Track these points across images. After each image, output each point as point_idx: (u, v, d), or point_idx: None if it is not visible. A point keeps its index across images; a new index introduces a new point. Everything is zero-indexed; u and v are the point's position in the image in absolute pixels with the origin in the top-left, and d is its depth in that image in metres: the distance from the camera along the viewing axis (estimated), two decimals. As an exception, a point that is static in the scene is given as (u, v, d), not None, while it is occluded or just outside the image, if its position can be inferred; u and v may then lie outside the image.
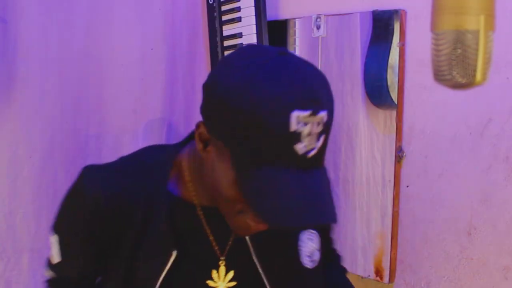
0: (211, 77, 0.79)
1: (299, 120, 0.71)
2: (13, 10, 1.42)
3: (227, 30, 1.87)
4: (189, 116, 1.81)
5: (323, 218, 0.74)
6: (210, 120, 0.78)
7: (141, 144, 1.66)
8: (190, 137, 0.94)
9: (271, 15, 1.79)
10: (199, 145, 0.81)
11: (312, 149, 0.73)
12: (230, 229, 0.86)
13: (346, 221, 1.62)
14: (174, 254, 0.85)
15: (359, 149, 1.60)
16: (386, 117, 1.54)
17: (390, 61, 1.52)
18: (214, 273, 0.88)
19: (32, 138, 1.49)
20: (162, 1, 1.78)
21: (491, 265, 1.38)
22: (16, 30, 1.43)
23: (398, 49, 1.50)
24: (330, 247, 1.14)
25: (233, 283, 0.89)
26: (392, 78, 1.51)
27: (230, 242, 0.90)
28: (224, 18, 1.87)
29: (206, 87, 0.79)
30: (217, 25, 1.89)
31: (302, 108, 0.71)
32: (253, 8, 1.75)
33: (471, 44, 0.66)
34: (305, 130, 0.72)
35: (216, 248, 0.89)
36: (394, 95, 1.51)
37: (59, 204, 0.92)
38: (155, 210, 0.86)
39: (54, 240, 0.91)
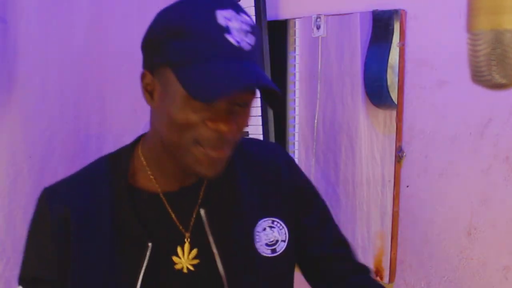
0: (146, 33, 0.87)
1: (224, 16, 0.77)
2: (13, 10, 1.42)
3: (227, 30, 1.86)
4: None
5: (263, 82, 0.79)
6: (150, 59, 0.86)
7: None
8: (139, 137, 0.97)
9: (271, 15, 1.79)
10: (147, 97, 0.86)
11: (245, 42, 0.78)
12: (192, 208, 0.90)
13: (346, 221, 1.62)
14: (150, 246, 0.86)
15: (359, 149, 1.60)
16: (386, 117, 1.54)
17: (390, 61, 1.52)
18: (179, 250, 0.89)
19: (32, 138, 1.49)
20: (163, 0, 1.77)
21: (491, 265, 1.38)
22: (16, 30, 1.43)
23: (398, 49, 1.50)
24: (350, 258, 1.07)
25: (196, 261, 0.90)
26: (392, 78, 1.51)
27: (192, 223, 0.91)
28: (224, 18, 1.87)
29: (142, 41, 0.88)
30: (217, 25, 1.89)
31: (223, 7, 0.78)
32: (253, 8, 1.75)
33: (510, 43, 0.66)
34: (233, 24, 0.78)
35: (181, 227, 0.90)
36: (394, 95, 1.51)
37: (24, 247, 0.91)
38: (122, 208, 0.88)
39: None
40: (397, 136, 1.52)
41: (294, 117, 1.78)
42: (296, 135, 1.78)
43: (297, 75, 1.77)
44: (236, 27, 0.78)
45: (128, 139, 1.65)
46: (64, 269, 0.87)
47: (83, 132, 1.59)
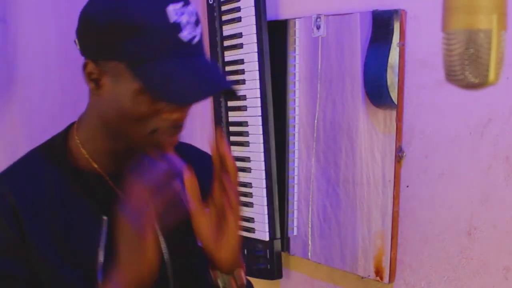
0: (80, 19, 0.86)
1: (176, 11, 0.80)
2: (13, 10, 1.42)
3: (227, 30, 1.87)
4: (190, 114, 1.81)
5: (220, 87, 0.87)
6: (95, 51, 0.84)
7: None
8: (70, 125, 0.98)
9: (271, 15, 1.79)
10: (91, 86, 0.86)
11: (194, 37, 0.83)
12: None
13: (346, 221, 1.62)
14: (106, 219, 0.87)
15: (359, 149, 1.60)
16: (386, 117, 1.54)
17: (390, 61, 1.52)
18: None
19: (32, 138, 1.49)
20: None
21: (491, 265, 1.38)
22: (16, 30, 1.43)
23: (398, 49, 1.50)
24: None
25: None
26: (392, 78, 1.51)
27: None
28: (224, 18, 1.87)
29: (79, 29, 0.86)
30: (217, 25, 1.89)
31: (174, 1, 0.81)
32: (253, 8, 1.75)
33: (483, 43, 0.66)
34: (183, 19, 0.81)
35: None
36: (394, 95, 1.51)
37: None
38: (70, 189, 0.89)
39: None
40: (397, 136, 1.52)
41: (294, 117, 1.78)
42: (296, 135, 1.78)
43: (297, 75, 1.77)
44: (187, 21, 0.82)
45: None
46: (25, 258, 0.86)
47: (83, 132, 1.59)
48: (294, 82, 1.78)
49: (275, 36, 1.77)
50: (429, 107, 1.48)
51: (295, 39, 1.76)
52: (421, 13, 1.48)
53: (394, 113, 1.52)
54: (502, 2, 0.67)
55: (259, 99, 1.78)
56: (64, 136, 0.95)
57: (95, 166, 0.92)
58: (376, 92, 1.56)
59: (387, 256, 1.54)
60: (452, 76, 0.70)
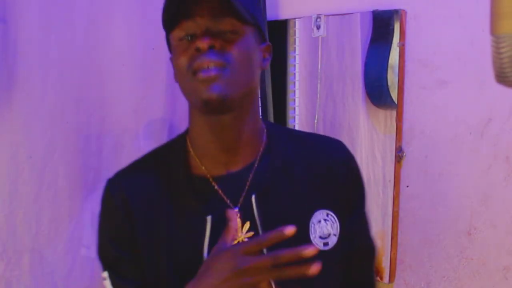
0: None
1: None
2: (13, 10, 1.42)
3: (227, 30, 1.87)
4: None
5: None
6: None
7: (142, 144, 1.66)
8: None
9: (271, 15, 1.79)
10: (174, 75, 0.94)
11: None
12: (241, 191, 0.91)
13: (346, 221, 1.62)
14: (209, 219, 0.90)
15: (359, 149, 1.60)
16: (386, 117, 1.54)
17: (390, 61, 1.52)
18: (231, 227, 0.91)
19: (32, 138, 1.48)
20: (163, 0, 1.77)
21: (491, 265, 1.38)
22: (16, 30, 1.43)
23: (398, 49, 1.50)
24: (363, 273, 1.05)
25: (251, 234, 0.91)
26: (392, 78, 1.52)
27: (241, 198, 0.92)
28: (224, 18, 1.87)
29: None
30: (217, 25, 1.89)
31: None
32: (253, 8, 1.75)
33: None
34: None
35: (231, 205, 0.92)
36: (394, 95, 1.51)
37: (97, 231, 0.98)
38: (179, 191, 0.93)
39: (105, 275, 0.96)
40: (397, 136, 1.52)
41: (294, 117, 1.78)
42: (296, 135, 1.78)
43: (297, 75, 1.77)
44: None
45: (128, 139, 1.66)
46: (135, 248, 0.93)
47: (83, 132, 1.59)
48: (294, 82, 1.78)
49: (275, 36, 1.77)
50: (429, 107, 1.48)
51: (295, 39, 1.76)
52: (421, 13, 1.48)
53: (394, 113, 1.52)
54: None
55: (259, 99, 1.78)
56: (184, 136, 0.99)
57: (202, 168, 0.94)
58: (376, 92, 1.56)
59: (387, 256, 1.54)
60: (502, 78, 0.73)
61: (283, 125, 1.80)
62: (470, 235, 1.41)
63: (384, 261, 1.55)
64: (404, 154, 1.52)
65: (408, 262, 1.53)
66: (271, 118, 1.78)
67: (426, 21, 1.47)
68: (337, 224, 0.96)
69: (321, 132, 1.69)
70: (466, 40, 1.39)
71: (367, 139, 1.58)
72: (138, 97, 1.71)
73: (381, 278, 1.56)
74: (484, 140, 1.38)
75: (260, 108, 1.78)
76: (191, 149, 0.96)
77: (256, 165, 0.94)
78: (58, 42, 1.52)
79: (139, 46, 1.69)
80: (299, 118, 1.77)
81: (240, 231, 0.91)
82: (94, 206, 1.58)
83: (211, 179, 0.94)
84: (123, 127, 1.64)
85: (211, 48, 0.86)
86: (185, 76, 0.88)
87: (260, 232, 0.90)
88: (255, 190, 0.92)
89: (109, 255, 0.96)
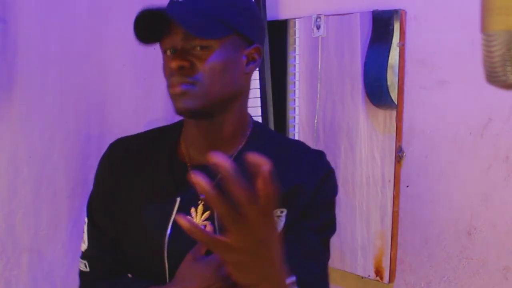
0: None
1: None
2: (13, 10, 1.42)
3: (227, 30, 1.86)
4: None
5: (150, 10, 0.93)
6: None
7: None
8: None
9: (271, 15, 1.79)
10: None
11: None
12: (213, 178, 0.91)
13: (346, 221, 1.62)
14: (178, 200, 0.98)
15: (359, 149, 1.60)
16: (386, 117, 1.54)
17: (390, 61, 1.52)
18: (192, 210, 0.99)
19: (32, 138, 1.48)
20: (162, 0, 1.77)
21: (491, 265, 1.38)
22: (16, 30, 1.43)
23: (398, 49, 1.50)
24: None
25: (207, 222, 0.98)
26: (392, 78, 1.52)
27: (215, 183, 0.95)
28: (224, 18, 1.87)
29: None
30: (217, 25, 1.89)
31: None
32: (253, 8, 1.75)
33: None
34: None
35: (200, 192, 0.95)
36: (394, 95, 1.51)
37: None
38: (161, 170, 1.02)
39: (86, 221, 1.08)
40: (397, 136, 1.52)
41: (294, 117, 1.78)
42: (296, 135, 1.78)
43: (297, 75, 1.77)
44: None
45: (128, 139, 1.65)
46: (113, 209, 1.04)
47: (83, 132, 1.59)
48: (294, 82, 1.78)
49: (275, 36, 1.77)
50: (429, 107, 1.48)
51: (295, 39, 1.76)
52: (421, 13, 1.48)
53: (394, 113, 1.52)
54: None
55: (259, 99, 1.78)
56: (182, 122, 1.08)
57: (186, 156, 1.03)
58: (376, 92, 1.56)
59: (387, 256, 1.54)
60: (493, 77, 0.69)
61: (283, 125, 1.80)
62: (470, 235, 1.41)
63: (384, 261, 1.55)
64: (404, 154, 1.52)
65: (408, 262, 1.53)
66: (271, 118, 1.78)
67: (426, 21, 1.47)
68: (283, 222, 0.98)
69: (321, 132, 1.69)
70: (466, 40, 1.39)
71: (366, 139, 1.58)
72: (138, 97, 1.71)
73: (381, 278, 1.56)
74: (484, 140, 1.38)
75: (260, 108, 1.78)
76: (181, 137, 1.05)
77: (234, 156, 1.00)
78: (58, 42, 1.52)
79: (139, 46, 1.69)
80: (299, 118, 1.77)
81: (200, 217, 0.98)
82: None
83: (189, 167, 1.01)
84: (123, 127, 1.64)
85: (180, 68, 0.93)
86: (167, 85, 0.97)
87: (216, 222, 0.96)
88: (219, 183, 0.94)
89: (92, 205, 1.08)
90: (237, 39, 0.96)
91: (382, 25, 1.53)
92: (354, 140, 1.61)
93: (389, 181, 1.53)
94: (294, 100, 1.78)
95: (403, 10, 1.49)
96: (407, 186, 1.52)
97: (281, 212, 0.97)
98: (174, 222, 0.98)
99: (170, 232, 0.98)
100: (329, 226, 1.04)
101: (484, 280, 1.39)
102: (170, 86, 0.95)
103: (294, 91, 1.78)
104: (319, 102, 1.69)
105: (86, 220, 1.09)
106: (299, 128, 1.77)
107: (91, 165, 1.59)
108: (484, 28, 0.69)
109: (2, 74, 1.41)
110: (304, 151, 1.09)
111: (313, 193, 1.00)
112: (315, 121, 1.70)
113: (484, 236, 1.39)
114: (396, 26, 1.49)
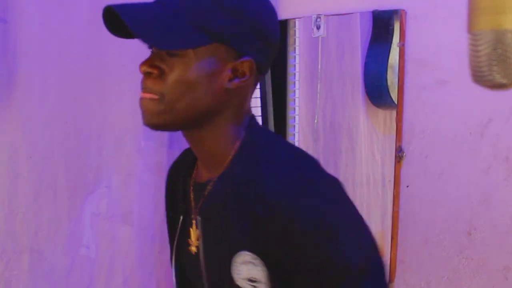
0: None
1: None
2: (13, 10, 1.42)
3: (227, 30, 1.86)
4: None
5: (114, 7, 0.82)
6: None
7: (142, 144, 1.66)
8: None
9: (271, 15, 1.78)
10: None
11: None
12: (203, 198, 0.91)
13: (346, 221, 1.62)
14: (181, 219, 0.96)
15: (359, 149, 1.60)
16: (386, 117, 1.54)
17: (390, 61, 1.52)
18: (191, 231, 0.93)
19: (32, 138, 1.49)
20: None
21: (491, 265, 1.38)
22: (16, 30, 1.43)
23: (398, 49, 1.50)
24: None
25: (198, 242, 0.91)
26: (392, 78, 1.52)
27: (199, 205, 0.92)
28: (224, 18, 1.87)
29: None
30: (217, 25, 1.89)
31: None
32: (253, 8, 1.75)
33: (511, 43, 0.66)
34: None
35: (192, 215, 0.94)
36: (394, 95, 1.51)
37: None
38: (179, 188, 1.00)
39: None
40: (397, 136, 1.52)
41: (294, 117, 1.78)
42: (296, 135, 1.78)
43: (297, 75, 1.77)
44: None
45: (128, 139, 1.66)
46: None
47: (83, 132, 1.59)
48: (294, 82, 1.78)
49: (275, 36, 1.77)
50: (429, 107, 1.48)
51: (295, 39, 1.76)
52: (421, 13, 1.48)
53: (394, 113, 1.52)
54: None
55: (259, 99, 1.78)
56: None
57: (193, 175, 0.97)
58: (376, 92, 1.56)
59: (387, 256, 1.54)
60: (479, 77, 0.69)
61: (283, 125, 1.80)
62: (470, 235, 1.41)
63: (384, 261, 1.55)
64: (404, 154, 1.52)
65: (408, 262, 1.53)
66: (271, 118, 1.78)
67: (426, 21, 1.47)
68: (266, 273, 0.80)
69: (321, 132, 1.69)
70: (466, 40, 1.39)
71: (367, 139, 1.58)
72: (138, 97, 1.71)
73: (381, 278, 1.56)
74: (484, 140, 1.38)
75: (260, 108, 1.78)
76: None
77: (215, 181, 0.87)
78: (58, 42, 1.52)
79: (140, 45, 1.69)
80: (299, 118, 1.77)
81: (195, 237, 0.92)
82: (93, 206, 1.59)
83: (192, 185, 0.94)
84: (123, 127, 1.64)
85: (148, 74, 0.85)
86: None
87: (201, 248, 0.89)
88: (202, 207, 0.91)
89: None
90: (221, 48, 0.80)
91: (382, 25, 1.53)
92: (354, 140, 1.61)
93: (389, 181, 1.53)
94: (294, 100, 1.78)
95: (403, 10, 1.49)
96: (407, 186, 1.52)
97: (255, 259, 0.81)
98: (178, 239, 0.98)
99: (176, 251, 1.00)
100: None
101: (484, 280, 1.39)
102: (142, 90, 0.89)
103: (294, 91, 1.78)
104: (319, 102, 1.69)
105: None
106: (299, 128, 1.77)
107: (91, 165, 1.60)
108: (471, 28, 0.69)
109: (2, 74, 1.41)
110: (282, 175, 0.83)
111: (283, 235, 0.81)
112: (315, 121, 1.70)
113: (484, 236, 1.39)
114: (396, 26, 1.49)
